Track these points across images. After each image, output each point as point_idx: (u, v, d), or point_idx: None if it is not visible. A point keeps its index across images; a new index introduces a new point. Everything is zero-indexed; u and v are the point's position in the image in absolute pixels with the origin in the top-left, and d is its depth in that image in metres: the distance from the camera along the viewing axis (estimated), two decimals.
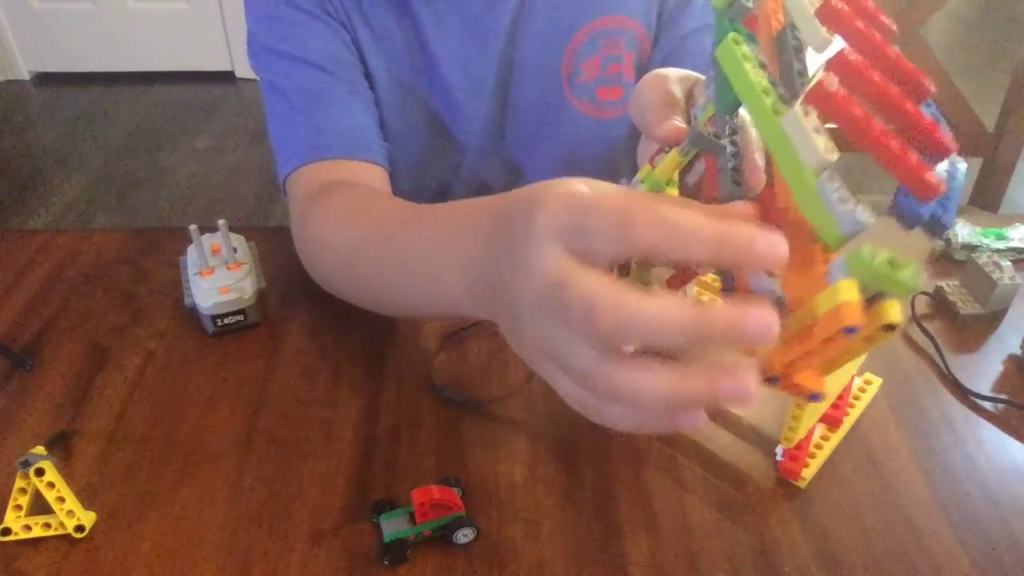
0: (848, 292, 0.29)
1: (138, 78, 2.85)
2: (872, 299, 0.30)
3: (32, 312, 0.63)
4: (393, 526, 0.44)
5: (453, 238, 0.40)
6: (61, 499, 0.45)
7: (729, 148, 0.40)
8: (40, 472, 0.44)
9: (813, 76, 0.35)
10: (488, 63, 0.71)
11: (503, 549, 0.45)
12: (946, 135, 0.31)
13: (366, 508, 0.47)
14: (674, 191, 0.44)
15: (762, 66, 0.35)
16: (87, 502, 0.47)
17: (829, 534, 0.46)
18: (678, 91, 0.47)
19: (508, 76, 0.72)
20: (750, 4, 0.37)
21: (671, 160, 0.42)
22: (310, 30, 0.65)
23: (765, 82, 0.34)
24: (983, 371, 0.58)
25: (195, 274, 0.60)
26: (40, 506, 0.45)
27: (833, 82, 0.30)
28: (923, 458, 0.51)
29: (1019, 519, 0.47)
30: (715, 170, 0.41)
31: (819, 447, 0.51)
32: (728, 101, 0.39)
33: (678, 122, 0.43)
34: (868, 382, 0.56)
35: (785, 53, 0.36)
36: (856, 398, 0.54)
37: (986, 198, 1.23)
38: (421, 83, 0.71)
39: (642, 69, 0.75)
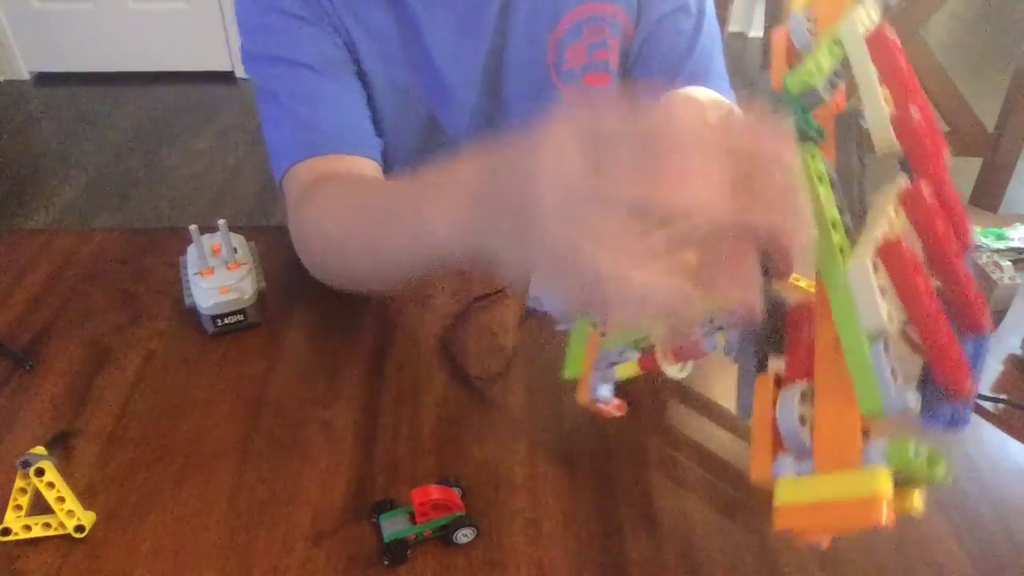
0: (884, 485, 0.28)
1: (138, 78, 2.85)
2: (902, 484, 0.29)
3: (32, 312, 0.63)
4: (393, 526, 0.44)
5: (445, 180, 0.41)
6: (61, 499, 0.45)
7: None
8: (40, 472, 0.44)
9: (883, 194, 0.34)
10: (479, 56, 0.71)
11: (503, 549, 0.45)
12: (986, 316, 0.32)
13: (366, 508, 0.47)
14: None
15: (832, 185, 0.34)
16: (87, 502, 0.47)
17: None
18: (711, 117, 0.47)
19: (498, 67, 0.73)
20: (826, 97, 0.36)
21: None
22: (301, 35, 0.65)
23: (835, 212, 0.33)
24: (983, 371, 0.58)
25: (195, 274, 0.60)
26: (40, 506, 0.45)
27: (901, 227, 0.30)
28: None
29: (1019, 519, 0.47)
30: None
31: None
32: None
33: None
34: None
35: (846, 145, 0.36)
36: None
37: (986, 198, 1.23)
38: (415, 80, 0.71)
39: (624, 54, 0.75)
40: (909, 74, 0.34)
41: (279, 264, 0.68)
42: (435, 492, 0.44)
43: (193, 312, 0.59)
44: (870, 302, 0.30)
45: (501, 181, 0.36)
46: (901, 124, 0.34)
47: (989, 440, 0.53)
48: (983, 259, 0.63)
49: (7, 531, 0.45)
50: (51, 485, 0.44)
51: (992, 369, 0.59)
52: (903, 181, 0.34)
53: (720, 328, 0.41)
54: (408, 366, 0.58)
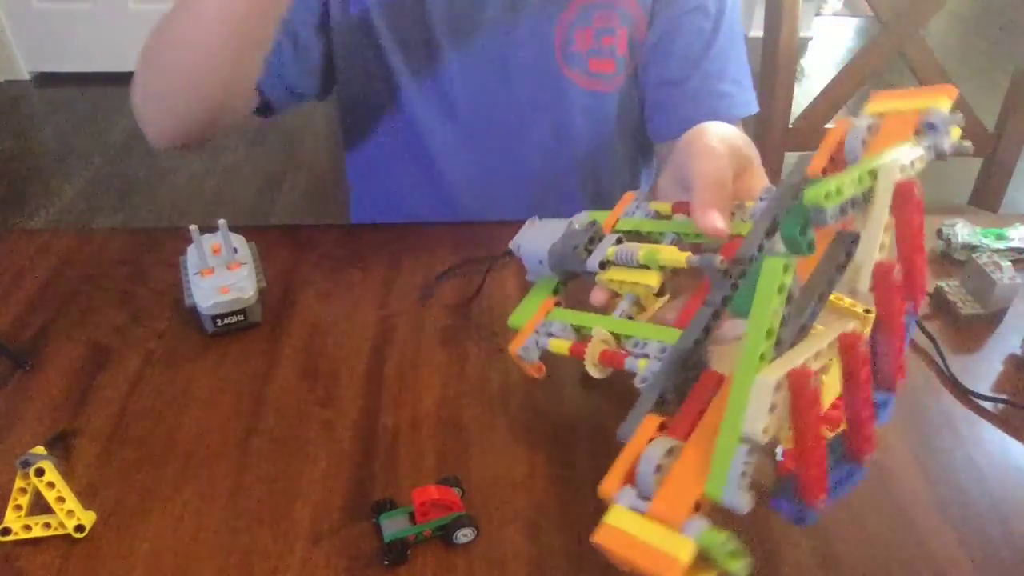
0: (685, 555, 0.33)
1: None
2: (702, 561, 0.33)
3: (32, 312, 0.63)
4: (393, 526, 0.44)
5: None
6: (61, 499, 0.45)
7: (726, 291, 0.43)
8: (40, 472, 0.44)
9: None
10: (481, 28, 0.73)
11: (503, 549, 0.45)
12: (871, 446, 0.37)
13: (366, 508, 0.47)
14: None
15: (789, 298, 0.37)
16: (87, 502, 0.47)
17: (829, 534, 0.46)
18: (730, 175, 0.50)
19: (505, 42, 0.74)
20: (831, 222, 0.38)
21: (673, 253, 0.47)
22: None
23: (776, 323, 0.36)
24: (983, 371, 0.58)
25: (195, 274, 0.60)
26: (40, 506, 0.45)
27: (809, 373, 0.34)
28: (923, 458, 0.51)
29: (1019, 519, 0.47)
30: (701, 297, 0.45)
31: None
32: (742, 303, 0.40)
33: (720, 222, 0.46)
34: None
35: (829, 264, 0.40)
36: None
37: (986, 198, 1.23)
38: (421, 48, 0.73)
39: (635, 47, 0.76)
40: (919, 231, 0.38)
41: (279, 264, 0.68)
42: (435, 492, 0.44)
43: (193, 312, 0.59)
44: (758, 414, 0.33)
45: None
46: (880, 276, 0.36)
47: (989, 440, 0.53)
48: (983, 259, 0.63)
49: (7, 531, 0.45)
50: (51, 485, 0.45)
51: (992, 369, 0.59)
52: (851, 326, 0.37)
53: (646, 356, 0.45)
54: (408, 366, 0.58)
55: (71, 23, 2.81)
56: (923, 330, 0.61)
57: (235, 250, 0.61)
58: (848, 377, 0.35)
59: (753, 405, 0.33)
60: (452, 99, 0.77)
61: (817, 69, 3.20)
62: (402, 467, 0.50)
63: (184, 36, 0.62)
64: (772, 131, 1.19)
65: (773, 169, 1.21)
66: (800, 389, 0.33)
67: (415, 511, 0.44)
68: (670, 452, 0.37)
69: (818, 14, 3.64)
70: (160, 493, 0.48)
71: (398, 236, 0.73)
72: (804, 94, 1.20)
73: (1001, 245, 0.69)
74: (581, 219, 0.54)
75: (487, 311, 0.63)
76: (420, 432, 0.52)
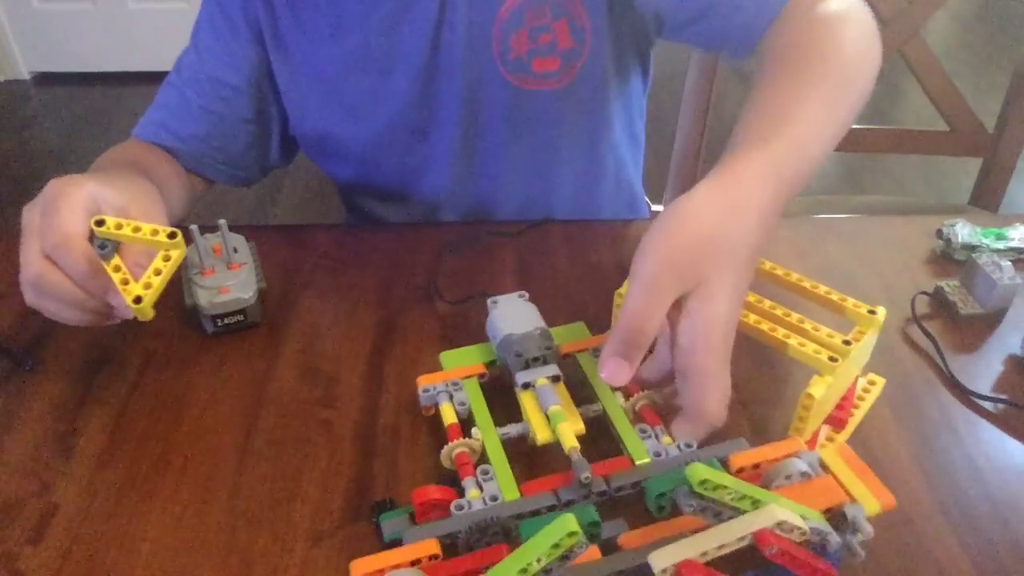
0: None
1: (138, 78, 2.85)
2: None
3: (32, 312, 0.62)
4: (393, 526, 0.44)
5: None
6: (125, 281, 0.48)
7: (574, 497, 0.45)
8: (100, 223, 0.49)
9: None
10: (418, 51, 0.72)
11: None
12: None
13: (366, 508, 0.47)
14: None
15: (565, 558, 0.38)
16: (87, 501, 0.47)
17: None
18: (655, 316, 0.44)
19: (438, 62, 0.72)
20: (686, 510, 0.40)
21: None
22: (222, 46, 0.75)
23: (533, 569, 0.36)
24: (983, 371, 0.58)
25: (195, 274, 0.60)
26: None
27: None
28: (923, 458, 0.51)
29: (1019, 519, 0.47)
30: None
31: (823, 448, 0.51)
32: (529, 529, 0.40)
33: (619, 375, 0.45)
34: (872, 382, 0.56)
35: None
36: (860, 399, 0.54)
37: (986, 198, 1.23)
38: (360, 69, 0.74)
39: (584, 33, 0.71)
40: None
41: (279, 264, 0.68)
42: (435, 492, 0.44)
43: (193, 312, 0.59)
44: None
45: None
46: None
47: (989, 440, 0.53)
48: (983, 259, 0.63)
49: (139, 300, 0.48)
50: (117, 269, 0.49)
51: (992, 369, 0.59)
52: (779, 514, 0.38)
53: (480, 488, 0.46)
54: (408, 366, 0.58)
55: (71, 23, 2.81)
56: (923, 330, 0.61)
57: (235, 250, 0.61)
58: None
59: None
60: (422, 124, 0.77)
61: None
62: (402, 467, 0.50)
63: None
64: None
65: None
66: None
67: (415, 511, 0.44)
68: None
69: None
70: (160, 493, 0.48)
71: (398, 236, 0.73)
72: None
73: (1001, 245, 0.69)
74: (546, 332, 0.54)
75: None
76: (420, 432, 0.52)
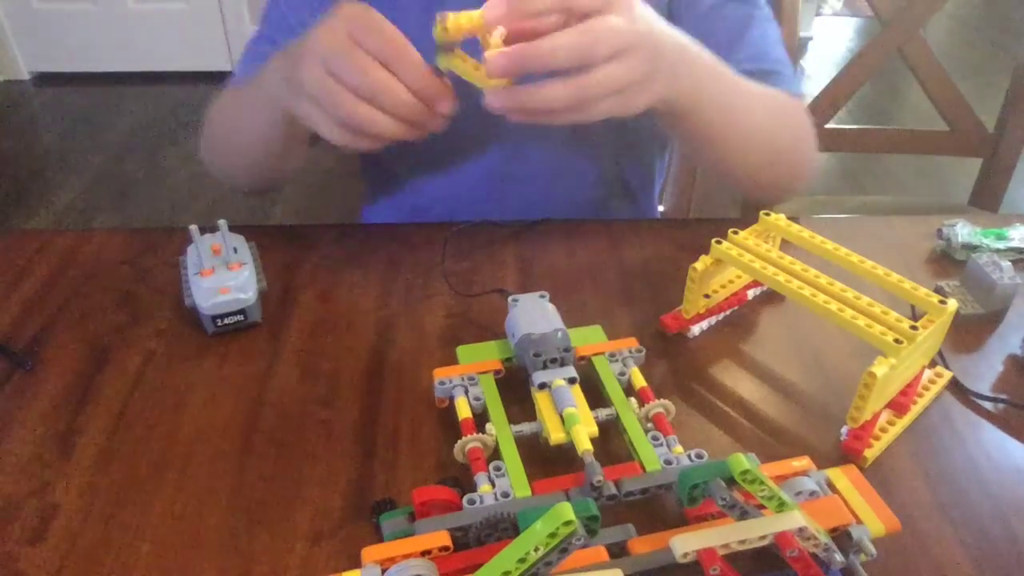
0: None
1: (138, 78, 2.85)
2: None
3: (32, 312, 0.63)
4: (393, 526, 0.44)
5: (263, 74, 0.62)
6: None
7: (589, 494, 0.45)
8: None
9: None
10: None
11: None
12: None
13: (366, 508, 0.47)
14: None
15: (564, 551, 0.37)
16: (87, 501, 0.47)
17: None
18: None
19: None
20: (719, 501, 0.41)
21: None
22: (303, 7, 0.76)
23: (531, 559, 0.36)
24: (983, 371, 0.58)
25: (195, 274, 0.60)
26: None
27: None
28: (923, 458, 0.51)
29: (1019, 519, 0.47)
30: None
31: (884, 431, 0.52)
32: (527, 518, 0.39)
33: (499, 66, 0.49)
34: (939, 374, 0.57)
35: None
36: (926, 388, 0.55)
37: (986, 198, 1.23)
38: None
39: None
40: None
41: (279, 264, 0.68)
42: (435, 492, 0.44)
43: (193, 312, 0.59)
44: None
45: (294, 45, 0.55)
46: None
47: (989, 440, 0.53)
48: (983, 259, 0.63)
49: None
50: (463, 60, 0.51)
51: (992, 369, 0.59)
52: (803, 520, 0.40)
53: (492, 484, 0.46)
54: (408, 366, 0.58)
55: (71, 23, 2.81)
56: None
57: (235, 250, 0.61)
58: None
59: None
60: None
61: (817, 69, 3.21)
62: (402, 467, 0.50)
63: (235, 139, 0.73)
64: None
65: None
66: (705, 565, 0.38)
67: (415, 511, 0.44)
68: None
69: (818, 14, 3.64)
70: (160, 493, 0.48)
71: (398, 236, 0.73)
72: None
73: (1001, 245, 0.69)
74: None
75: (487, 311, 0.63)
76: (420, 432, 0.52)
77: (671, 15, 0.73)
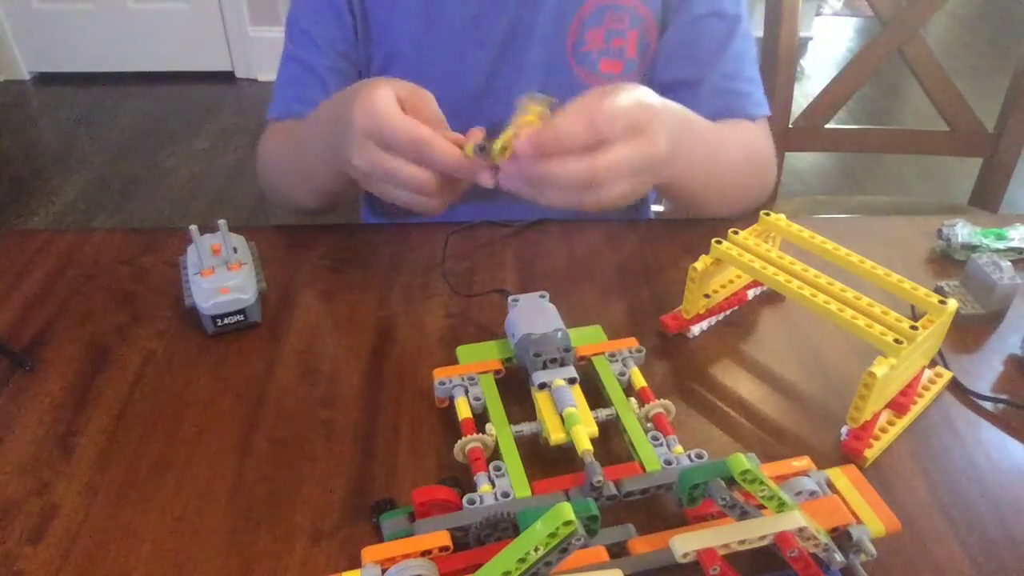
0: None
1: (138, 78, 2.85)
2: None
3: (32, 312, 0.63)
4: (393, 526, 0.44)
5: (320, 127, 0.65)
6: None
7: (588, 494, 0.45)
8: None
9: None
10: (498, 20, 0.74)
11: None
12: None
13: (366, 508, 0.47)
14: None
15: (564, 551, 0.37)
16: (87, 501, 0.47)
17: None
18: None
19: (516, 35, 0.75)
20: (719, 501, 0.42)
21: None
22: (325, 20, 0.78)
23: (531, 559, 0.36)
24: (983, 371, 0.58)
25: (195, 274, 0.60)
26: None
27: None
28: (923, 458, 0.51)
29: (1019, 519, 0.47)
30: None
31: (884, 431, 0.52)
32: (527, 518, 0.39)
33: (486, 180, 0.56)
34: (939, 374, 0.57)
35: None
36: (926, 388, 0.55)
37: (986, 198, 1.23)
38: (430, 39, 0.76)
39: (646, 50, 0.77)
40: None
41: (279, 264, 0.68)
42: (435, 492, 0.44)
43: (193, 312, 0.60)
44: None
45: (341, 105, 0.59)
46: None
47: (989, 440, 0.53)
48: (983, 259, 0.63)
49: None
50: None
51: (992, 369, 0.59)
52: (803, 521, 0.40)
53: (492, 484, 0.46)
54: (408, 366, 0.58)
55: (71, 23, 2.81)
56: None
57: (235, 250, 0.61)
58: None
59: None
60: (464, 96, 0.78)
61: (817, 69, 3.20)
62: (402, 467, 0.50)
63: (295, 175, 0.75)
64: (772, 131, 1.19)
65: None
66: (705, 565, 0.38)
67: (415, 511, 0.44)
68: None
69: (818, 14, 3.64)
70: (160, 493, 0.48)
71: (398, 236, 0.73)
72: (804, 94, 1.20)
73: (1001, 245, 0.69)
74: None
75: (487, 311, 0.63)
76: (420, 432, 0.52)
77: (663, 21, 0.76)
